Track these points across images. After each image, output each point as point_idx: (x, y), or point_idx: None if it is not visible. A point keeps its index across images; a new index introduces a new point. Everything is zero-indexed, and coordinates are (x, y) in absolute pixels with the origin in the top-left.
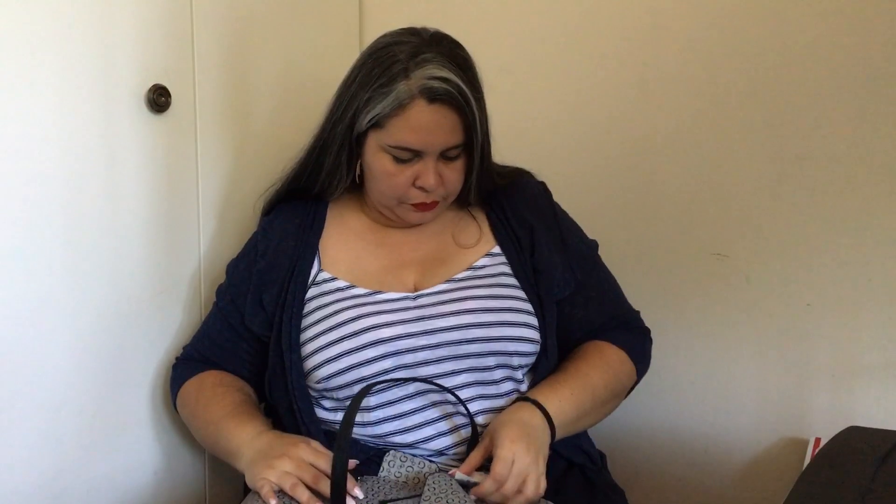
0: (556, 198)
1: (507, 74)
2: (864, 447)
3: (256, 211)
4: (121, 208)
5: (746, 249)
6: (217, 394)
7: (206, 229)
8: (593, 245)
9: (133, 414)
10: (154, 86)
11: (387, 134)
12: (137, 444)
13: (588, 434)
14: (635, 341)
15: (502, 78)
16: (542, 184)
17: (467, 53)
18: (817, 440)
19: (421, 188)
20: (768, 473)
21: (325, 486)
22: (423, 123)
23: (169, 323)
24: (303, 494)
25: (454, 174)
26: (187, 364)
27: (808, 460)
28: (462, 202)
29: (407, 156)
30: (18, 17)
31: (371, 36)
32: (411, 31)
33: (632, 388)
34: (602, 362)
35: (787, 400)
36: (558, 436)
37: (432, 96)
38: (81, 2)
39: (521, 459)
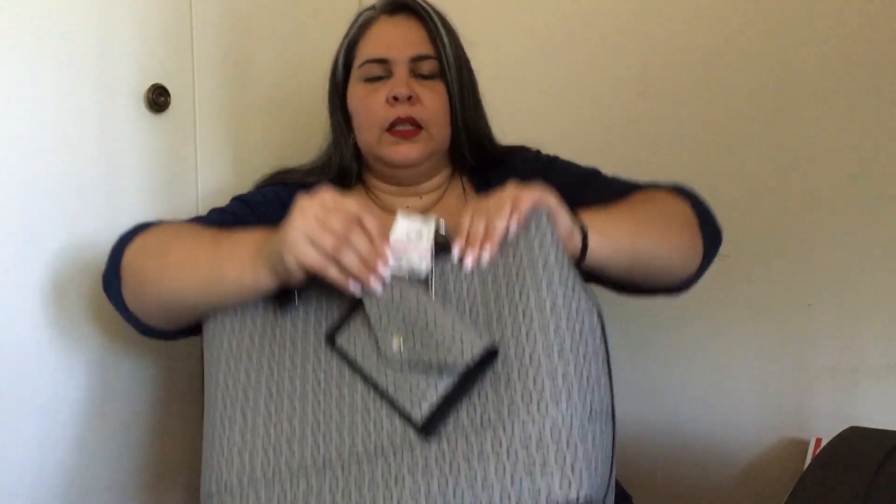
0: None
1: (506, 76)
2: (866, 447)
3: None
4: (120, 208)
5: (747, 249)
6: (201, 230)
7: None
8: (592, 170)
9: (132, 414)
10: (153, 85)
11: (357, 59)
12: (136, 444)
13: None
14: (675, 187)
15: (501, 79)
16: (537, 151)
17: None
18: (818, 440)
19: (394, 98)
20: (769, 474)
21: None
22: (386, 33)
23: None
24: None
25: (430, 93)
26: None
27: (808, 461)
28: (457, 166)
29: (376, 71)
30: (18, 17)
31: None
32: None
33: (705, 232)
34: (640, 195)
35: (788, 400)
36: (594, 233)
37: (392, 9)
38: (81, 1)
39: (522, 191)
